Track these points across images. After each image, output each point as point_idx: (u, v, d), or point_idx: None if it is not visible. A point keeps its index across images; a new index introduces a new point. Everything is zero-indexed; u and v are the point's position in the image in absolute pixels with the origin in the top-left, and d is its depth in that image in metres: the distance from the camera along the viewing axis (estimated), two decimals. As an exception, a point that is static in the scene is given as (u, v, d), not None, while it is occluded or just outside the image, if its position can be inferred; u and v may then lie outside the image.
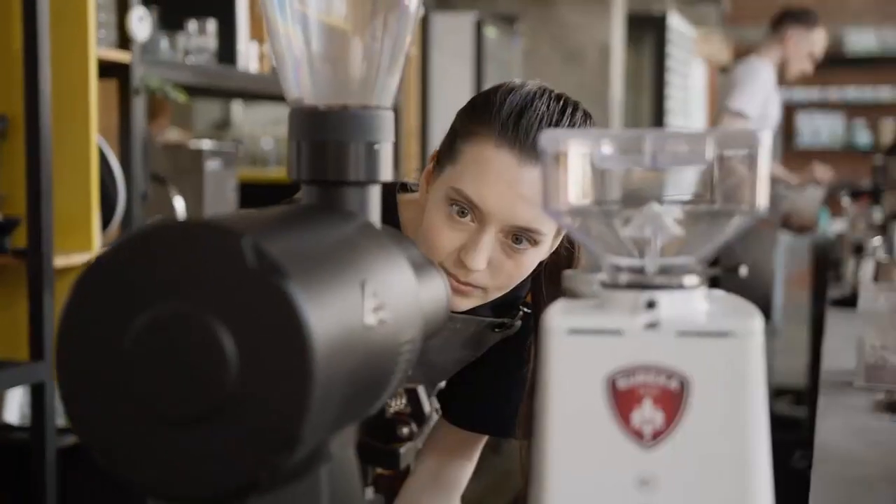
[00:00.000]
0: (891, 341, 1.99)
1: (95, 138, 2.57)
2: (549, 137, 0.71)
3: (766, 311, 4.68)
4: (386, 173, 0.83)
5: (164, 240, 0.62)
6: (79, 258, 2.54)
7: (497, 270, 1.30)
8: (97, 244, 2.59)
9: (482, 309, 1.40)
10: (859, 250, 3.28)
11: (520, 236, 1.28)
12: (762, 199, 0.70)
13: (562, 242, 1.39)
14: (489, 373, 1.51)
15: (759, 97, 4.53)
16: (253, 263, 0.61)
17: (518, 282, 1.33)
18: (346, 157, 0.82)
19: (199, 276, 0.62)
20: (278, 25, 0.84)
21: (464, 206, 1.27)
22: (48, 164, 2.42)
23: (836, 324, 2.72)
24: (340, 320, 0.65)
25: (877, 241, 3.13)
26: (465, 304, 1.33)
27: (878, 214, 4.24)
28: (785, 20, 4.72)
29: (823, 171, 4.97)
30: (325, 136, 0.82)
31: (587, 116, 1.34)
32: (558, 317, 0.69)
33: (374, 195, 0.83)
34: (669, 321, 0.68)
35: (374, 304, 0.70)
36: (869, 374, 1.94)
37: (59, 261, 2.47)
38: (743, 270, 0.72)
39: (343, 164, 0.81)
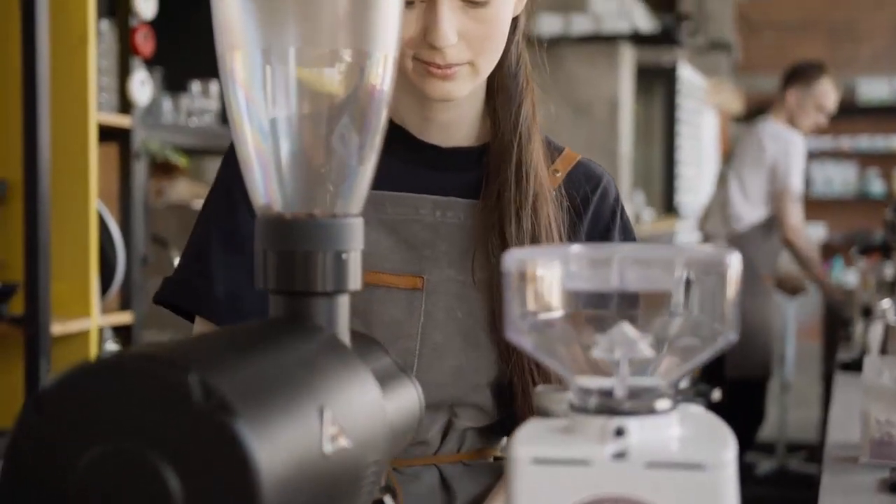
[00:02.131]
0: (897, 416, 1.96)
1: (95, 203, 2.56)
2: (512, 257, 0.69)
3: (766, 364, 4.62)
4: (355, 282, 0.81)
5: (109, 375, 0.60)
6: (77, 325, 2.52)
7: (471, 38, 1.20)
8: (96, 310, 2.57)
9: None
10: (868, 312, 3.24)
11: None
12: (731, 322, 0.67)
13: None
14: None
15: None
16: (200, 400, 0.59)
17: (499, 40, 1.23)
18: (313, 267, 0.80)
19: (144, 412, 0.59)
20: (245, 131, 0.82)
21: None
22: (46, 230, 2.41)
23: (844, 391, 2.69)
24: (294, 453, 0.63)
25: (886, 303, 3.09)
26: (458, 86, 1.22)
27: (889, 270, 4.20)
28: (786, 79, 4.74)
29: (840, 293, 5.03)
30: (293, 246, 0.80)
31: None
32: (524, 445, 0.67)
33: (343, 305, 0.81)
34: (639, 451, 0.66)
35: (334, 430, 0.68)
36: (874, 451, 1.90)
37: (57, 328, 2.46)
38: (716, 395, 0.69)
39: (311, 275, 0.80)
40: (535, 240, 1.22)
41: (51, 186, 2.45)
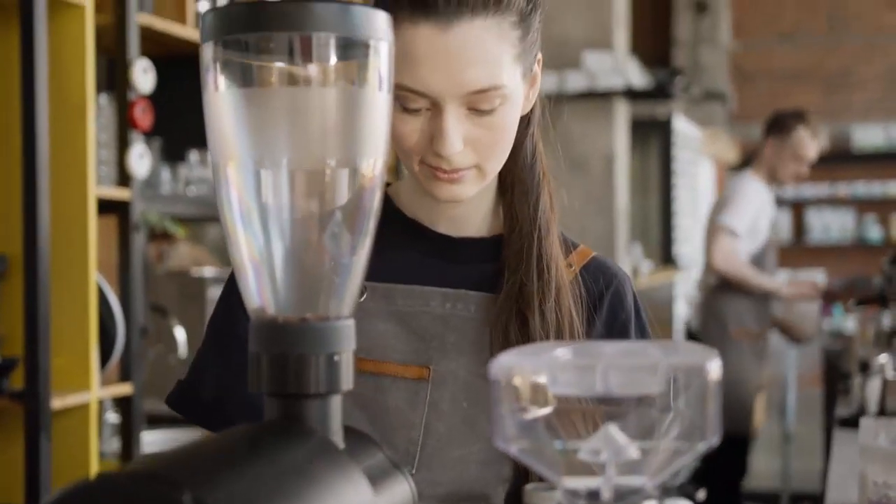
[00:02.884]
0: (894, 478, 1.96)
1: (95, 277, 2.58)
2: (499, 364, 0.71)
3: (745, 420, 4.56)
4: (347, 383, 0.83)
5: (103, 494, 0.62)
6: (77, 398, 2.53)
7: (478, 144, 1.19)
8: (96, 383, 2.58)
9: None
10: (865, 367, 3.25)
11: (482, 100, 1.17)
12: (712, 427, 0.69)
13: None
14: None
15: (750, 214, 4.52)
16: (194, 518, 0.61)
17: (506, 145, 1.21)
18: (306, 370, 0.81)
19: (139, 531, 0.61)
20: (239, 237, 0.84)
21: (409, 98, 1.16)
22: (46, 304, 2.43)
23: (843, 448, 2.69)
24: (288, 565, 0.64)
25: (883, 358, 3.09)
26: (465, 189, 1.21)
27: (887, 320, 4.20)
28: (765, 129, 4.76)
29: (813, 287, 4.94)
30: (286, 350, 0.81)
31: None
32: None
33: (335, 405, 0.83)
34: (626, 553, 0.67)
35: (326, 537, 0.70)
36: (872, 513, 1.91)
37: (57, 402, 2.46)
38: (700, 495, 0.71)
39: (304, 377, 0.81)
40: (559, 333, 1.22)
41: (50, 260, 2.47)
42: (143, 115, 2.72)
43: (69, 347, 2.55)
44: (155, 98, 2.84)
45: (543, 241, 1.27)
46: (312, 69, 0.82)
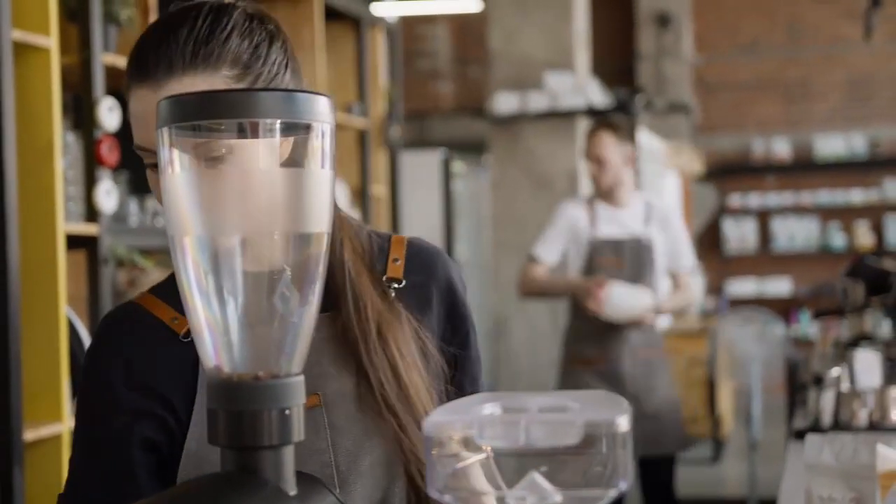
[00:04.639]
0: (838, 493, 2.04)
1: (64, 311, 2.64)
2: (432, 422, 0.78)
3: (684, 443, 4.57)
4: (299, 434, 0.90)
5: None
6: (48, 430, 2.59)
7: None
8: (67, 414, 2.64)
9: None
10: (819, 381, 3.32)
11: (209, 150, 1.15)
12: (624, 472, 0.77)
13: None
14: None
15: (560, 241, 4.33)
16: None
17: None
18: (259, 424, 0.89)
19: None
20: (196, 300, 0.91)
21: (145, 155, 1.24)
22: (17, 341, 2.48)
23: (796, 460, 2.75)
24: None
25: (836, 371, 3.16)
26: None
27: (845, 331, 4.29)
28: None
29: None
30: (240, 406, 0.89)
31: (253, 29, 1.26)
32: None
33: (288, 455, 0.90)
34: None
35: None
36: (818, 528, 1.98)
37: (29, 434, 2.52)
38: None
39: (257, 431, 0.88)
40: (395, 370, 1.29)
41: (21, 295, 2.52)
42: (109, 153, 2.78)
43: (40, 380, 2.61)
44: (120, 132, 2.90)
45: (355, 282, 1.32)
46: (260, 151, 0.89)
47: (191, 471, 1.26)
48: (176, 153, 0.90)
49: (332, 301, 1.32)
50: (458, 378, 1.39)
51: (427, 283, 1.38)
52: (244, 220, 0.89)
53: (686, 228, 4.70)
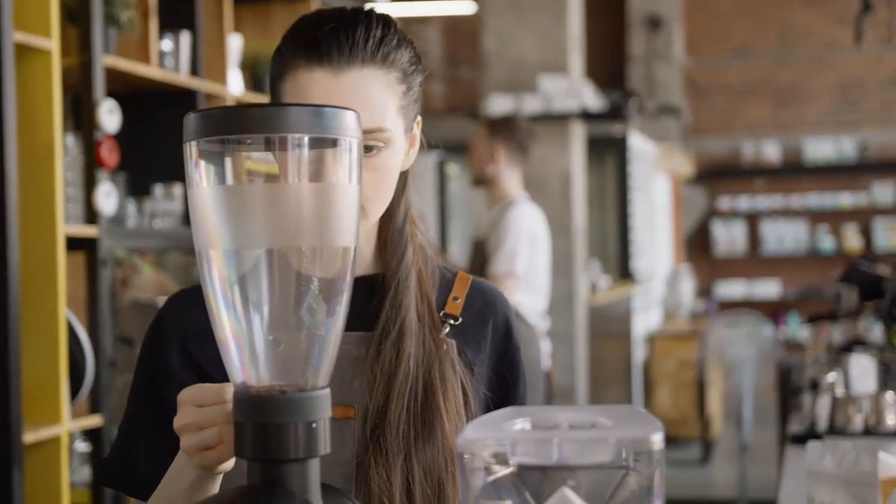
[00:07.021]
0: (840, 500, 2.05)
1: (64, 312, 2.64)
2: (465, 440, 0.79)
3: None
4: (325, 447, 0.91)
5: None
6: (48, 432, 2.58)
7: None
8: (66, 416, 2.64)
9: None
10: (815, 386, 3.33)
11: (367, 139, 1.22)
12: (658, 490, 0.77)
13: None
14: None
15: (525, 248, 4.04)
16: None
17: (388, 188, 1.28)
18: (286, 438, 0.89)
19: None
20: (222, 314, 0.91)
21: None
22: (16, 341, 2.48)
23: (794, 464, 2.76)
24: None
25: (831, 376, 3.17)
26: None
27: (838, 335, 4.30)
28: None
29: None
30: (267, 419, 0.89)
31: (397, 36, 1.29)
32: None
33: (314, 468, 0.90)
34: None
35: None
36: (819, 534, 1.99)
37: (28, 436, 2.51)
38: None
39: (284, 444, 0.89)
40: (392, 374, 1.27)
41: (21, 297, 2.52)
42: (109, 154, 2.78)
43: (40, 382, 2.60)
44: (120, 134, 2.90)
45: (402, 292, 1.32)
46: (288, 165, 0.89)
47: None
48: (203, 166, 0.90)
49: (374, 320, 1.31)
50: None
51: (483, 325, 1.38)
52: (270, 233, 0.89)
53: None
